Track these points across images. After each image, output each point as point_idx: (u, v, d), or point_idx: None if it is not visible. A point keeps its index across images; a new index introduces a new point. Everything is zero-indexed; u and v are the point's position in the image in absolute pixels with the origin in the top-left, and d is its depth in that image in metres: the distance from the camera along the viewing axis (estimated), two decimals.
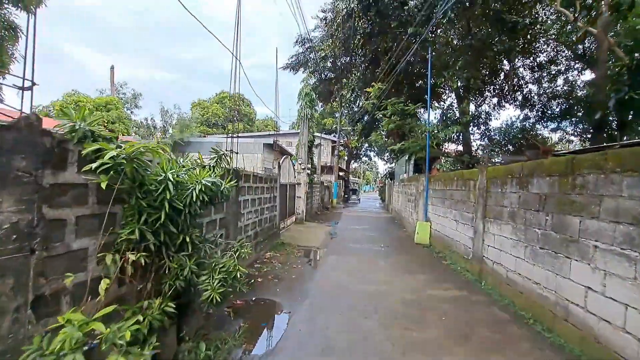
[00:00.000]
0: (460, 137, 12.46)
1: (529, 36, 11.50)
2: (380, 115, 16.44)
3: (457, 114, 11.24)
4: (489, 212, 5.84)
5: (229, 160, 3.93)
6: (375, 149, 41.98)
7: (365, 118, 19.67)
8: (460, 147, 17.89)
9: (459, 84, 9.27)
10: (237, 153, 5.97)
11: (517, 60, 12.09)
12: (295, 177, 12.83)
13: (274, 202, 8.52)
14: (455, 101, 12.24)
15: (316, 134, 29.37)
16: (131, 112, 28.85)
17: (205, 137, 28.01)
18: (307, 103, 14.90)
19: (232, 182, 3.51)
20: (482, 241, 6.02)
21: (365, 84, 15.52)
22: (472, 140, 11.47)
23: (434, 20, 8.44)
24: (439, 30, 10.62)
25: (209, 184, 3.01)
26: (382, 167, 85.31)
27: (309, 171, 12.82)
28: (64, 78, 69.99)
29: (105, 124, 23.92)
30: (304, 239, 9.89)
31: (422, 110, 19.14)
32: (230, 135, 7.13)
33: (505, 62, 12.67)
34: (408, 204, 12.57)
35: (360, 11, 10.99)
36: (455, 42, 10.77)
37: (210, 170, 3.47)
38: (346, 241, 9.93)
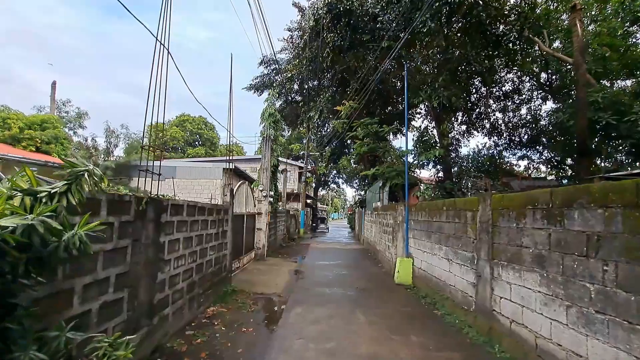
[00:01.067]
0: (435, 163, 11.55)
1: (502, 60, 11.16)
2: (351, 139, 15.40)
3: (435, 137, 10.41)
4: (499, 253, 4.52)
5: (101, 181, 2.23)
6: (344, 175, 41.26)
7: (334, 142, 18.61)
8: (431, 175, 17.30)
9: (436, 103, 8.37)
10: (158, 174, 4.26)
11: (493, 82, 11.68)
12: (255, 205, 11.09)
13: (223, 239, 6.72)
14: (433, 123, 11.54)
15: (282, 159, 27.92)
16: (74, 133, 25.78)
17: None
18: (270, 124, 13.46)
19: (92, 225, 1.84)
20: (491, 290, 4.64)
21: (334, 105, 14.52)
22: (455, 165, 10.58)
23: (409, 29, 7.56)
24: (413, 48, 9.95)
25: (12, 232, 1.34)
26: (351, 194, 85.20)
27: (271, 199, 11.18)
28: (11, 98, 64.14)
29: (39, 144, 20.89)
30: (263, 282, 8.04)
31: (392, 136, 18.53)
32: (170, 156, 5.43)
33: (478, 84, 12.26)
34: (384, 236, 11.20)
35: (329, 22, 10.07)
36: (432, 58, 10.14)
37: (43, 202, 1.77)
38: (315, 283, 8.21)
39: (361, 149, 10.68)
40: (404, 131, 17.15)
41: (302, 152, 35.63)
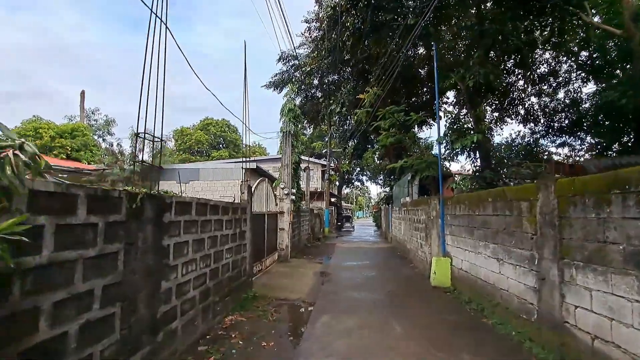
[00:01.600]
0: (470, 152, 10.46)
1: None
2: (374, 132, 14.57)
3: (469, 123, 9.40)
4: (571, 251, 3.65)
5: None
6: (368, 172, 40.25)
7: (357, 137, 17.80)
8: (462, 167, 16.06)
9: (471, 83, 7.43)
10: (159, 167, 3.75)
11: (531, 60, 10.43)
12: (277, 204, 10.57)
13: (242, 240, 6.19)
14: (464, 110, 10.52)
15: (304, 157, 27.45)
16: (102, 140, 26.65)
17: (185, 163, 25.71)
18: (290, 119, 12.93)
19: (11, 221, 1.26)
20: (561, 297, 3.77)
21: (356, 98, 13.74)
22: (492, 153, 9.48)
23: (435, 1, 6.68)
24: (442, 25, 9.04)
25: None
26: (375, 191, 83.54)
27: (293, 197, 10.62)
28: (51, 113, 68.40)
29: (69, 152, 21.57)
30: (287, 286, 7.46)
31: (416, 128, 17.45)
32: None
33: (510, 66, 11.02)
34: (415, 234, 10.32)
35: (348, 3, 9.35)
36: (464, 35, 9.16)
37: None
38: (342, 287, 7.53)
39: (387, 140, 9.88)
40: (433, 120, 16.17)
41: (324, 151, 35.02)
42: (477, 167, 8.50)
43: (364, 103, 9.95)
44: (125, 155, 21.56)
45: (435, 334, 4.65)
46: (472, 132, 7.74)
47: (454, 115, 8.40)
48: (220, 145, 41.66)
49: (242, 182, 6.61)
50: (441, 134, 7.84)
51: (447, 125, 8.93)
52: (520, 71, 14.52)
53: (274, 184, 11.74)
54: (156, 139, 3.65)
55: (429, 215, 8.66)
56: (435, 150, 12.12)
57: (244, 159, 7.71)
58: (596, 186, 3.34)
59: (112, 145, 24.61)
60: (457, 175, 9.76)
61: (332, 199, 31.08)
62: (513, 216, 4.85)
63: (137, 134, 3.53)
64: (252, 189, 7.47)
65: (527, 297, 4.46)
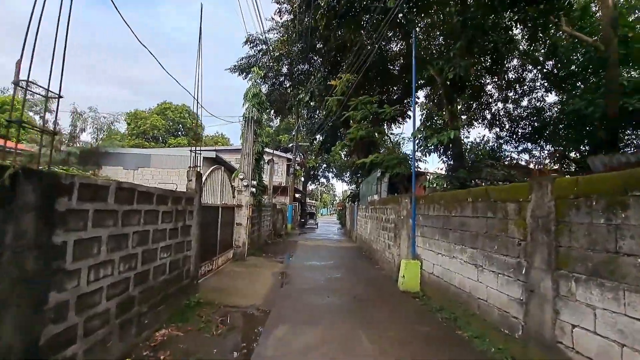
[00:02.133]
0: (444, 150, 10.10)
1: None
2: (344, 125, 13.92)
3: (444, 119, 9.03)
4: (570, 261, 3.15)
5: None
6: (334, 169, 39.89)
7: (326, 129, 17.10)
8: (434, 167, 15.98)
9: (451, 75, 6.99)
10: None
11: (504, 61, 10.32)
12: (234, 197, 9.53)
13: (185, 236, 5.18)
14: (435, 108, 10.21)
15: (268, 150, 26.30)
16: (39, 117, 23.52)
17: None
18: (254, 105, 11.89)
19: None
20: (554, 313, 3.28)
21: (326, 86, 13.00)
22: (465, 153, 9.17)
23: None
24: (421, 16, 8.60)
25: None
26: (341, 189, 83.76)
27: (254, 189, 9.65)
28: None
29: None
30: (240, 289, 6.54)
31: (386, 125, 17.13)
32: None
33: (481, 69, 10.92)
34: (383, 234, 9.82)
35: None
36: (443, 24, 8.78)
37: None
38: (303, 290, 6.76)
39: (357, 133, 9.25)
40: (404, 116, 15.90)
41: (290, 145, 34.01)
42: (450, 167, 8.15)
43: (335, 91, 9.24)
44: (61, 134, 19.06)
45: (408, 350, 4.03)
46: (447, 129, 7.31)
47: (427, 112, 7.98)
48: (179, 133, 39.06)
49: (189, 167, 5.57)
50: (416, 129, 7.31)
51: (422, 121, 8.49)
52: (490, 76, 14.66)
53: (233, 175, 10.66)
54: (51, 94, 2.59)
55: (398, 214, 8.15)
56: (405, 149, 11.81)
57: (194, 139, 6.64)
58: (608, 186, 2.84)
59: (47, 122, 21.78)
60: (429, 174, 9.43)
61: (297, 195, 30.25)
62: (497, 219, 4.35)
63: (16, 83, 2.46)
64: (204, 178, 6.45)
65: (510, 310, 3.97)
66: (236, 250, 9.47)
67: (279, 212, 19.28)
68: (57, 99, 2.52)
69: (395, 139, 9.95)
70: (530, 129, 16.91)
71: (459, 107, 7.56)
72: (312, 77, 13.55)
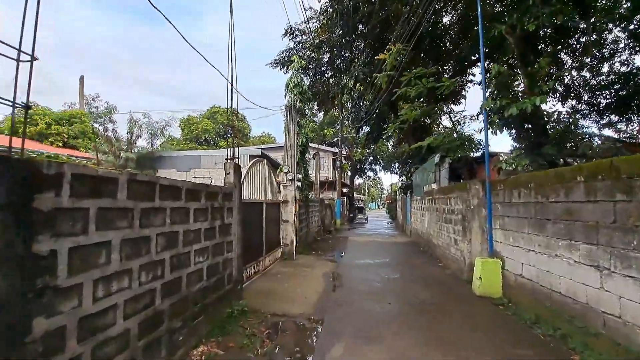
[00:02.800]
0: (521, 123, 8.27)
1: None
2: (392, 107, 12.70)
3: (515, 86, 7.45)
4: None
5: None
6: (382, 161, 38.28)
7: (371, 120, 15.92)
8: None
9: (532, 27, 5.53)
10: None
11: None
12: (279, 192, 8.95)
13: (225, 236, 4.60)
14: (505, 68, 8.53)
15: (313, 145, 25.75)
16: (104, 128, 25.55)
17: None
18: (296, 95, 11.24)
19: None
20: None
21: (371, 71, 11.89)
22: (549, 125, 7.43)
23: None
24: None
25: None
26: (388, 182, 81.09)
27: (299, 183, 8.99)
28: (58, 104, 68.61)
29: (66, 139, 20.46)
30: (288, 293, 5.87)
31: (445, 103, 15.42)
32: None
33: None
34: (446, 227, 8.56)
35: None
36: None
37: None
38: (358, 294, 5.89)
39: (412, 113, 8.07)
40: (461, 94, 14.17)
41: (335, 139, 33.16)
42: (531, 144, 6.61)
43: (385, 65, 8.16)
44: (120, 141, 20.31)
45: None
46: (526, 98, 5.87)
47: (497, 78, 6.49)
48: (228, 135, 40.27)
49: (227, 159, 4.98)
50: (486, 99, 5.99)
51: (491, 92, 6.98)
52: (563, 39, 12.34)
53: (277, 170, 10.11)
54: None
55: (467, 204, 6.88)
56: (467, 130, 10.21)
57: (230, 128, 6.06)
58: None
59: (106, 131, 23.39)
60: (501, 155, 7.93)
61: (344, 189, 29.39)
62: (634, 202, 3.07)
63: None
64: (244, 170, 5.86)
65: None
66: (284, 249, 8.89)
67: (327, 207, 18.59)
68: (30, 62, 1.92)
69: (456, 119, 8.61)
70: (614, 98, 14.11)
71: (544, 65, 5.99)
72: (356, 60, 12.51)
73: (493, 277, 5.69)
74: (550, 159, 5.95)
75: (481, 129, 8.38)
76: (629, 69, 14.00)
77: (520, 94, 6.98)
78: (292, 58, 12.25)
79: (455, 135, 8.03)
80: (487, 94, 6.28)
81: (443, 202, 8.84)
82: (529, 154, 6.08)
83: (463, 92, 14.41)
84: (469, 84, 14.78)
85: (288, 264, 8.26)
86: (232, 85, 5.00)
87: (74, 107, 25.33)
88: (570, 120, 8.95)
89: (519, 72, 7.06)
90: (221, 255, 4.50)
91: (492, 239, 5.95)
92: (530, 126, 6.94)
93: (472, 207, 6.71)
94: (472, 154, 8.68)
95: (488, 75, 6.63)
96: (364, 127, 20.88)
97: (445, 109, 8.78)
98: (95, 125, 24.47)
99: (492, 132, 7.37)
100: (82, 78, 24.39)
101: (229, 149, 5.31)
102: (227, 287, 4.67)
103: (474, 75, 15.19)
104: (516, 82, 7.49)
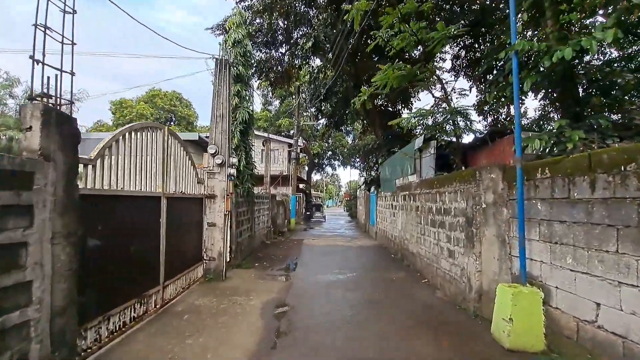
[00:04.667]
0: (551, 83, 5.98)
1: None
2: (356, 86, 10.43)
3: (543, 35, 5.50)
4: None
5: None
6: (341, 156, 36.36)
7: (333, 97, 13.52)
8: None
9: None
10: None
11: None
12: (203, 183, 6.16)
13: (14, 273, 1.80)
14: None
15: (260, 133, 22.88)
16: (1, 103, 20.16)
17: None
18: (237, 56, 8.46)
19: None
20: None
21: (333, 33, 9.45)
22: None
23: None
24: None
25: None
26: (346, 179, 80.00)
27: (232, 169, 6.26)
28: None
29: None
30: None
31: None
32: None
33: None
34: (433, 232, 6.41)
35: None
36: None
37: None
38: (320, 353, 3.41)
39: (392, 75, 5.74)
40: (475, 39, 12.04)
41: (292, 131, 30.44)
42: (569, 112, 4.69)
43: (359, 4, 5.74)
44: (7, 118, 15.75)
45: None
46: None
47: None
48: (170, 122, 35.67)
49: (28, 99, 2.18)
50: (516, 40, 3.81)
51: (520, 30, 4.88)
52: None
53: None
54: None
55: (475, 201, 4.70)
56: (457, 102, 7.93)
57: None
58: None
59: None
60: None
61: (300, 185, 26.88)
62: None
63: None
64: (114, 138, 3.06)
65: None
66: (209, 265, 6.13)
67: (280, 204, 15.94)
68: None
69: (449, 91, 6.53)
70: None
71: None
72: (315, 20, 10.05)
73: (531, 318, 3.53)
74: (603, 130, 3.96)
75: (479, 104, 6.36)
76: None
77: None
78: (233, 12, 9.39)
79: (447, 108, 5.89)
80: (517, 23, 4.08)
81: (428, 199, 6.67)
82: (573, 125, 4.03)
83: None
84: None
85: (210, 290, 5.50)
86: None
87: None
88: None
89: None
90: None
91: (524, 256, 3.80)
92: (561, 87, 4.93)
93: (483, 206, 4.54)
94: (464, 136, 6.70)
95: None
96: (322, 115, 18.49)
97: (436, 73, 6.57)
98: None
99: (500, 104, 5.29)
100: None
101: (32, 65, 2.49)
102: None
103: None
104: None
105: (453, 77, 13.51)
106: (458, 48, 12.70)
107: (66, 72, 2.97)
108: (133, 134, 3.78)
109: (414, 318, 4.57)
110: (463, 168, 6.55)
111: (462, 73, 12.88)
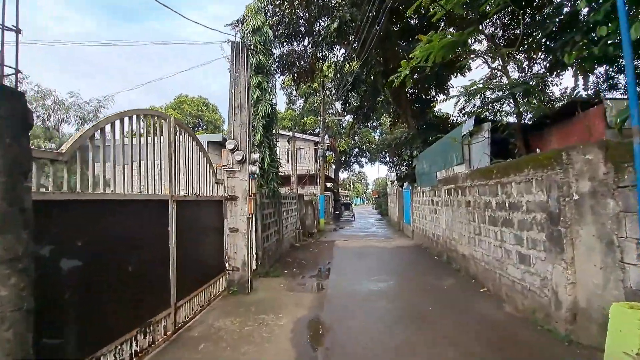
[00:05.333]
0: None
1: None
2: (385, 74, 9.39)
3: None
4: None
5: None
6: (368, 153, 35.09)
7: (361, 91, 12.54)
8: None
9: None
10: None
11: None
12: (222, 183, 5.46)
13: None
14: None
15: (284, 132, 22.25)
16: (36, 116, 20.91)
17: None
18: (257, 44, 7.76)
19: None
20: None
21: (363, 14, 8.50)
22: None
23: None
24: None
25: None
26: (373, 176, 78.12)
27: (254, 167, 5.52)
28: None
29: None
30: None
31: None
32: None
33: None
34: (493, 232, 5.31)
35: None
36: None
37: None
38: None
39: (438, 44, 4.74)
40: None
41: (317, 130, 29.66)
42: None
43: None
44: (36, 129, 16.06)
45: None
46: None
47: None
48: (198, 127, 36.13)
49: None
50: None
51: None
52: None
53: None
54: None
55: (563, 192, 3.60)
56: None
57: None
58: None
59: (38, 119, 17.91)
60: (607, 103, 4.69)
61: (328, 184, 26.04)
62: None
63: None
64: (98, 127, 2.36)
65: None
66: (232, 276, 5.42)
67: (308, 204, 15.16)
68: None
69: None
70: None
71: None
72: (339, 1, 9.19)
73: None
74: None
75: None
76: None
77: None
78: None
79: (513, 81, 4.79)
80: None
81: (485, 192, 5.58)
82: None
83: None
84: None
85: (234, 307, 4.78)
86: None
87: None
88: None
89: None
90: None
91: None
92: None
93: (574, 198, 3.45)
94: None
95: None
96: (349, 109, 17.49)
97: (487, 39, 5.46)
98: None
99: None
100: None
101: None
102: None
103: None
104: None
105: (490, 58, 12.20)
106: (494, 27, 11.41)
107: (8, 28, 2.29)
108: (127, 121, 3.09)
109: (483, 341, 3.57)
110: (526, 150, 5.41)
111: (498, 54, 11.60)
